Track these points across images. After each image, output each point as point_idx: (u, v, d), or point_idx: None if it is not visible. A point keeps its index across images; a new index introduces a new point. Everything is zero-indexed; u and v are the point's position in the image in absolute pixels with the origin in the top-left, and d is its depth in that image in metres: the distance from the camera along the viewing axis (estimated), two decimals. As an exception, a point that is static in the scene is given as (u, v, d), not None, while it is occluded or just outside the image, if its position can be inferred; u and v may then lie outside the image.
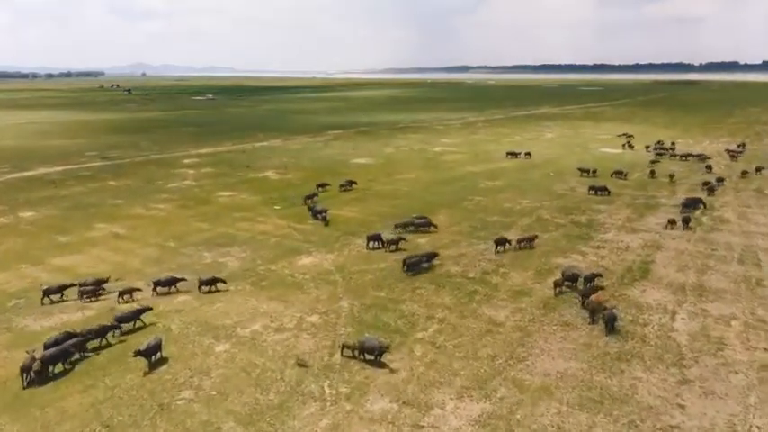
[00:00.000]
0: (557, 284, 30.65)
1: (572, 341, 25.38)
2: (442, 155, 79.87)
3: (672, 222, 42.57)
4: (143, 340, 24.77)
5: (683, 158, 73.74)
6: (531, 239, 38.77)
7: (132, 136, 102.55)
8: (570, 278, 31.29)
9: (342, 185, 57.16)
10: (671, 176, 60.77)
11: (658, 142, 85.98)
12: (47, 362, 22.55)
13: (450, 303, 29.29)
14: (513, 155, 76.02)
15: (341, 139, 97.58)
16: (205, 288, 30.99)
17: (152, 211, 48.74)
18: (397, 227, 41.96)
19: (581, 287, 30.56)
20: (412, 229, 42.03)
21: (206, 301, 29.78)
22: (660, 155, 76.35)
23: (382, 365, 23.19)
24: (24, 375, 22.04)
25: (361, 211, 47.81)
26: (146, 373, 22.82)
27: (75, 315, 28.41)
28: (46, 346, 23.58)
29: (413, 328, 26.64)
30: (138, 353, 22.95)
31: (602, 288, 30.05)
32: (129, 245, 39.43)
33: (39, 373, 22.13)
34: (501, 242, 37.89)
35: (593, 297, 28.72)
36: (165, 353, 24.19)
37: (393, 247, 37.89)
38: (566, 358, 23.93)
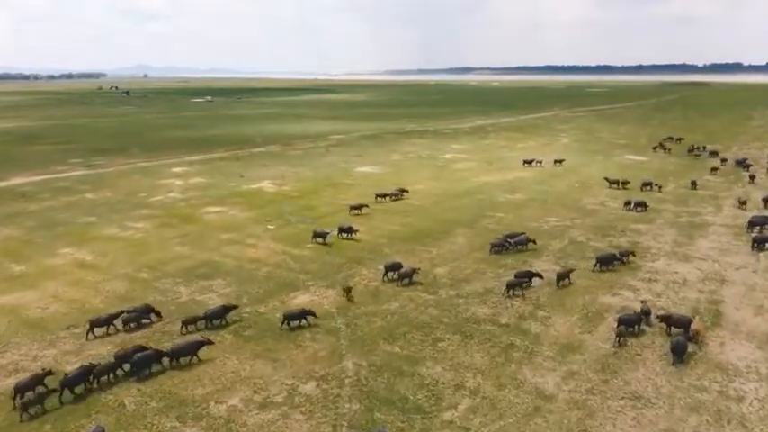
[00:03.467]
0: (619, 335, 24.80)
1: (649, 425, 19.23)
2: (454, 162, 73.72)
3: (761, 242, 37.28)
4: (84, 423, 18.81)
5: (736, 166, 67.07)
6: (629, 253, 35.10)
7: (123, 140, 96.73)
8: (629, 322, 25.46)
9: (392, 195, 52.26)
10: (742, 201, 48.62)
11: (692, 146, 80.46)
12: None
13: (483, 364, 23.14)
14: (530, 162, 69.74)
15: (343, 144, 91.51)
16: (295, 323, 26.34)
17: (128, 231, 42.68)
18: (493, 246, 36.92)
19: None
20: (510, 248, 37.04)
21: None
22: (724, 161, 69.78)
23: (401, 469, 17.11)
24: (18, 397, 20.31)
25: (368, 232, 41.63)
26: (79, 482, 16.78)
27: (6, 381, 22.31)
28: (117, 357, 22.65)
29: (438, 403, 20.50)
30: (67, 454, 16.93)
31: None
32: (93, 276, 33.35)
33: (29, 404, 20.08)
34: (607, 260, 33.73)
35: (693, 326, 24.67)
36: (110, 444, 18.17)
37: (407, 280, 31.78)
38: (647, 456, 17.80)
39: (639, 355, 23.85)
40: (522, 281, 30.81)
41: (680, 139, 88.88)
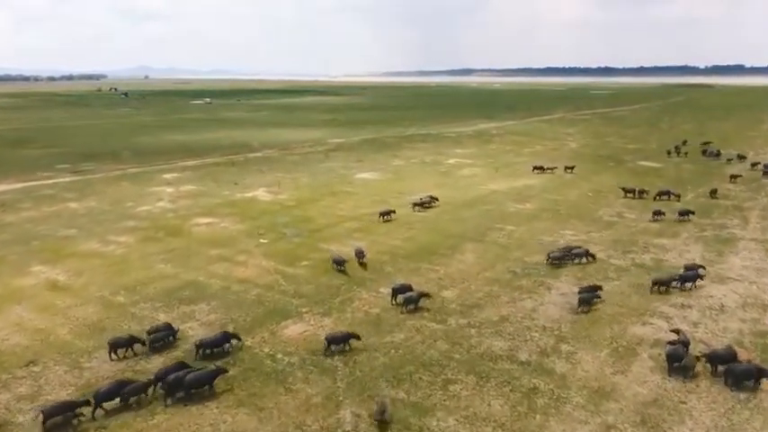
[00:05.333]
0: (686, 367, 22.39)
1: (708, 501, 15.94)
2: (458, 168, 70.43)
3: None
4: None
5: None
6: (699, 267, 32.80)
7: (116, 144, 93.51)
8: (678, 357, 22.69)
9: (426, 203, 49.51)
10: None
11: (710, 150, 77.75)
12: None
13: (503, 415, 19.84)
14: (541, 169, 66.36)
15: (343, 149, 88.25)
16: (335, 347, 23.99)
17: (109, 245, 39.39)
18: (552, 260, 34.54)
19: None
20: (568, 261, 34.82)
21: (144, 408, 20.38)
22: (754, 165, 67.49)
23: None
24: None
25: (369, 247, 37.96)
26: None
27: (-57, 436, 19.08)
28: (157, 377, 21.18)
29: (452, 469, 17.23)
30: None
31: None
32: (65, 299, 30.05)
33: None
34: (690, 278, 31.22)
35: (741, 356, 22.40)
36: None
37: (412, 306, 28.51)
38: None
39: (684, 403, 20.55)
40: (594, 295, 28.85)
41: (706, 143, 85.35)
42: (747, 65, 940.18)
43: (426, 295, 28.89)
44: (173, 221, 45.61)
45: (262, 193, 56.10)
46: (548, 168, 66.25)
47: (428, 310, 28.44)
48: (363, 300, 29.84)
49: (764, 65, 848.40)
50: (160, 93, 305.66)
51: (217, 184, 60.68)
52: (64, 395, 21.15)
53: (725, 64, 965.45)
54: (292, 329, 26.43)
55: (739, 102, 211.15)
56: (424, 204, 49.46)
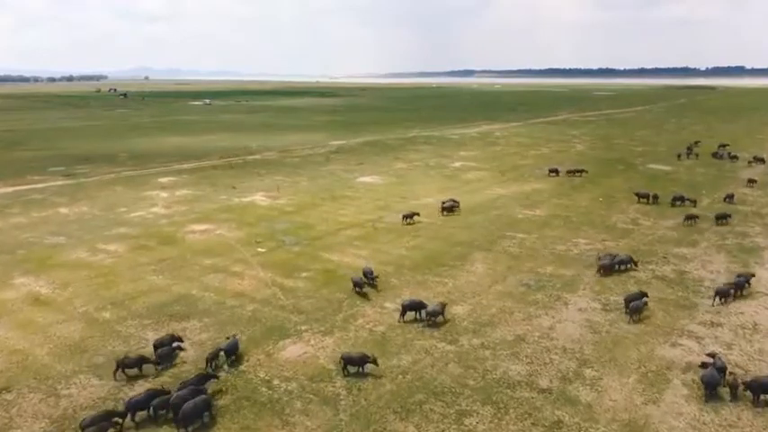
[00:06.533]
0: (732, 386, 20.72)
1: None
2: (463, 171, 68.32)
3: None
4: None
5: None
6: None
7: (111, 145, 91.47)
8: (715, 383, 20.77)
9: (449, 208, 47.48)
10: None
11: (721, 149, 77.53)
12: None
13: (526, 454, 17.74)
14: (556, 172, 64.08)
15: (344, 151, 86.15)
16: (352, 369, 22.23)
17: (98, 255, 37.28)
18: (605, 268, 33.04)
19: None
20: (616, 268, 33.50)
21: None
22: None
23: None
24: None
25: (371, 257, 36.18)
26: None
27: None
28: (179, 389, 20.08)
29: None
30: None
31: None
32: (46, 316, 27.93)
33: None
34: (738, 285, 30.13)
35: None
36: None
37: (438, 319, 26.84)
38: None
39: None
40: (644, 302, 27.64)
41: (723, 146, 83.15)
42: (748, 66, 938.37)
43: (445, 305, 27.29)
44: (166, 228, 43.50)
45: (260, 198, 54.01)
46: (569, 171, 63.92)
47: (438, 328, 26.36)
48: (368, 317, 27.73)
49: (765, 66, 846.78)
50: (159, 94, 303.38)
51: (213, 188, 58.60)
52: (37, 428, 19.08)
53: (725, 66, 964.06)
54: (291, 351, 24.32)
55: (744, 103, 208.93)
56: (452, 209, 47.51)
